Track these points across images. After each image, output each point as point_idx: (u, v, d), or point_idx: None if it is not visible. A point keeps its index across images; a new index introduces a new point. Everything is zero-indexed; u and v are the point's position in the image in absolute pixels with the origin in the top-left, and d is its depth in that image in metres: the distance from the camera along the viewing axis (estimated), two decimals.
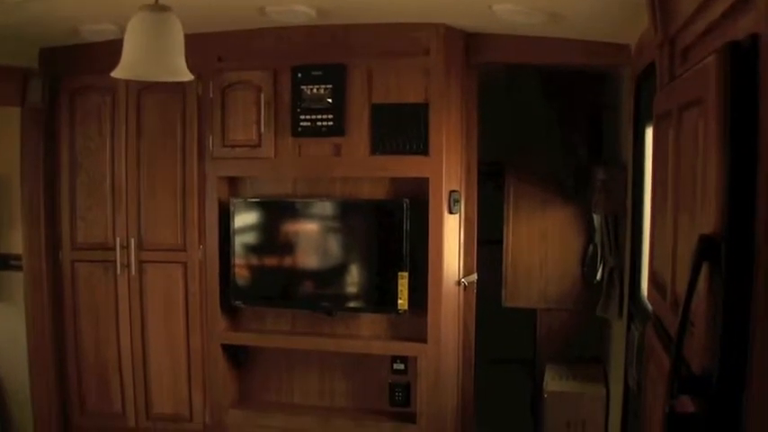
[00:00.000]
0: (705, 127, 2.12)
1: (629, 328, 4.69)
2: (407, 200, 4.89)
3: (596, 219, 5.85)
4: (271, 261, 5.30)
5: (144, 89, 5.26)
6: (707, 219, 2.06)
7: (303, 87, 5.00)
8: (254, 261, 5.30)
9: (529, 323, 7.41)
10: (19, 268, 5.62)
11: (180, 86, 5.16)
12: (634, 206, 4.75)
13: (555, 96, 6.56)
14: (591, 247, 6.27)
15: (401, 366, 5.26)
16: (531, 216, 6.58)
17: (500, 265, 6.62)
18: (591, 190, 5.82)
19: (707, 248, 2.02)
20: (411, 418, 5.17)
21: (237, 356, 5.50)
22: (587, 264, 6.34)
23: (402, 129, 4.89)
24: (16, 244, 5.66)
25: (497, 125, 6.24)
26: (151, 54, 2.87)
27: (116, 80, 5.05)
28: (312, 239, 5.23)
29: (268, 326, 5.41)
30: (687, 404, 2.15)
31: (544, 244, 6.60)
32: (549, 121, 6.53)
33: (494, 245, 6.52)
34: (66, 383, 5.59)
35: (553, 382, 6.20)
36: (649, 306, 3.36)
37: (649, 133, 4.03)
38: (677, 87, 2.64)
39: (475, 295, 5.54)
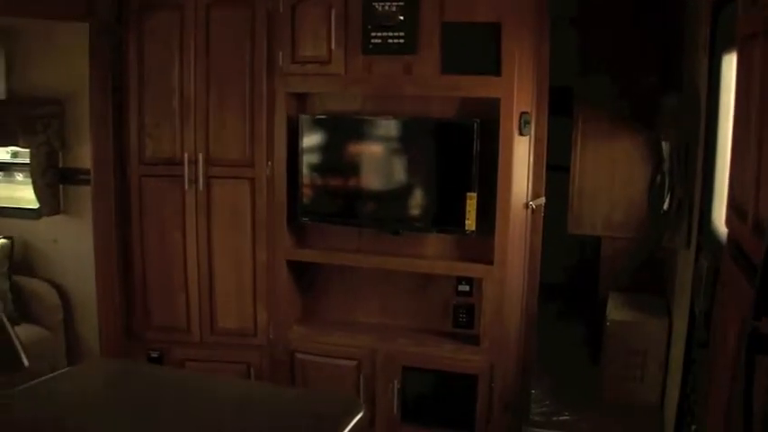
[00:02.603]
0: None
1: (697, 258, 4.64)
2: (478, 120, 4.83)
3: (665, 147, 5.77)
4: (338, 178, 5.29)
5: (213, 4, 5.23)
6: None
7: (374, 4, 4.94)
8: (322, 178, 5.30)
9: (591, 251, 7.38)
10: (87, 183, 5.66)
11: (249, 2, 5.15)
12: (707, 135, 4.67)
13: (625, 22, 6.45)
14: (658, 176, 6.19)
15: (466, 288, 5.26)
16: (599, 142, 6.52)
17: (561, 192, 6.58)
18: (661, 118, 5.73)
19: None
20: (474, 340, 5.18)
21: (302, 274, 5.54)
22: (654, 193, 6.27)
23: (474, 48, 4.82)
24: (84, 159, 5.70)
25: (564, 50, 6.15)
26: None
27: None
28: (380, 157, 5.21)
29: (333, 244, 5.42)
30: None
31: (611, 171, 6.54)
32: (618, 48, 6.43)
33: (555, 171, 6.47)
34: (132, 298, 5.65)
35: (615, 311, 6.19)
36: (724, 233, 3.31)
37: (726, 60, 3.95)
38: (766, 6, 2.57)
39: (542, 219, 5.50)
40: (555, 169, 6.44)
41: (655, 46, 6.36)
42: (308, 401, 2.86)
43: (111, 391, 2.90)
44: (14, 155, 6.55)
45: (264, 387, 3.83)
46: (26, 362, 1.42)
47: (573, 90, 6.63)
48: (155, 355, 5.61)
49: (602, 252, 6.91)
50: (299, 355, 5.39)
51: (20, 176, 6.55)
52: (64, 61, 5.73)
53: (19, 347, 1.41)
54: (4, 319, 1.40)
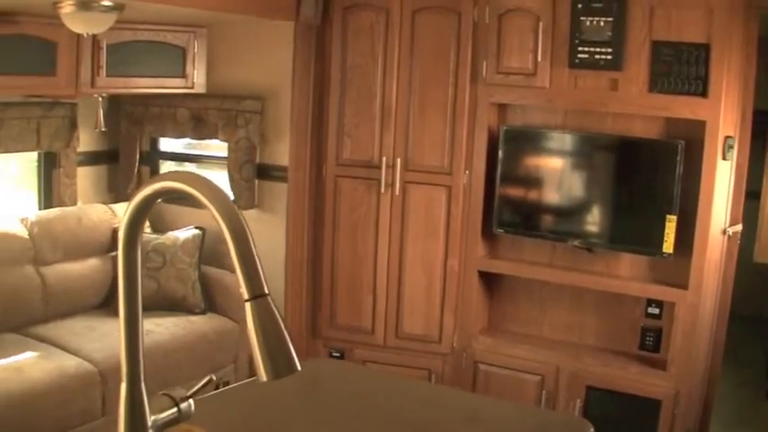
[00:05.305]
0: None
1: None
2: (683, 142, 4.74)
3: None
4: (535, 191, 5.28)
5: (418, 10, 5.28)
6: None
7: (583, 18, 4.89)
8: (519, 190, 5.29)
9: None
10: (280, 179, 5.79)
11: (455, 10, 5.19)
12: None
13: None
14: None
15: (656, 311, 5.15)
16: None
17: (748, 218, 6.40)
18: None
19: None
20: (660, 365, 5.06)
21: (490, 283, 5.54)
22: None
23: (681, 68, 4.72)
24: (280, 155, 5.83)
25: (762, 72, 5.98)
26: None
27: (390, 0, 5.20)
28: (579, 173, 5.18)
29: (525, 256, 5.41)
30: None
31: None
32: None
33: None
34: (319, 295, 5.75)
35: None
36: None
37: None
38: None
39: (738, 247, 5.36)
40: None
41: None
42: (534, 419, 2.82)
43: (329, 392, 2.90)
44: (188, 145, 6.72)
45: (484, 400, 3.77)
46: (299, 366, 1.40)
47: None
48: (336, 354, 5.68)
49: None
50: (482, 366, 5.39)
51: (192, 166, 6.70)
52: (266, 58, 5.86)
53: (292, 349, 1.40)
54: (279, 318, 1.39)
